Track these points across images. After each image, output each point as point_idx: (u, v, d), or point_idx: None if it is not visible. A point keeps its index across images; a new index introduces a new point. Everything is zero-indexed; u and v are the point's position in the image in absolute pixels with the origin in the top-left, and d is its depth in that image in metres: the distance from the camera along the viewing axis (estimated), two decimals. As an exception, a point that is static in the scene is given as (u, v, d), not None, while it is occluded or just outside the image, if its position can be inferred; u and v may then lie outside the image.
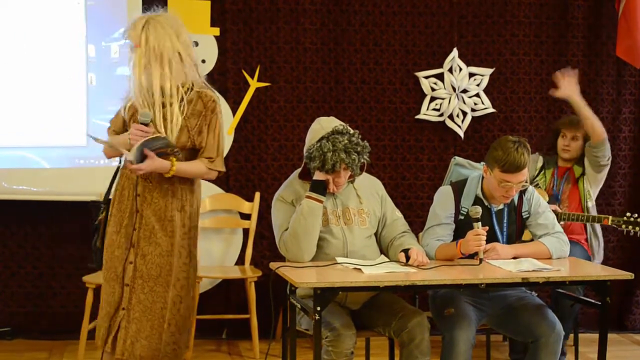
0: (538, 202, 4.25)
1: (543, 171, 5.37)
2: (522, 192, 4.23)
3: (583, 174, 5.31)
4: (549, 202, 5.19)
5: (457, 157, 4.52)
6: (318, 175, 3.95)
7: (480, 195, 4.17)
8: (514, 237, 4.23)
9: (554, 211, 5.07)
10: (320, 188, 3.95)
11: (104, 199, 3.94)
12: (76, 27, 5.40)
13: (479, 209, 3.97)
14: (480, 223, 3.95)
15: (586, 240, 5.29)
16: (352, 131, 3.96)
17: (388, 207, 4.18)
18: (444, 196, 4.21)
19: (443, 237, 4.13)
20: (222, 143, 3.94)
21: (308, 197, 3.94)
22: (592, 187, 5.35)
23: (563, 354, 5.12)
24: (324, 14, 5.79)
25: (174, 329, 3.88)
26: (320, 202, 3.95)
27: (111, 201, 3.90)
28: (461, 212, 4.16)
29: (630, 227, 5.00)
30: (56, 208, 5.45)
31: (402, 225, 4.16)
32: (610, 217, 5.07)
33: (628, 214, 5.06)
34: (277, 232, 4.05)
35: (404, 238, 4.08)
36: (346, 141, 3.89)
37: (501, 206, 4.19)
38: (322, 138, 3.91)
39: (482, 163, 4.28)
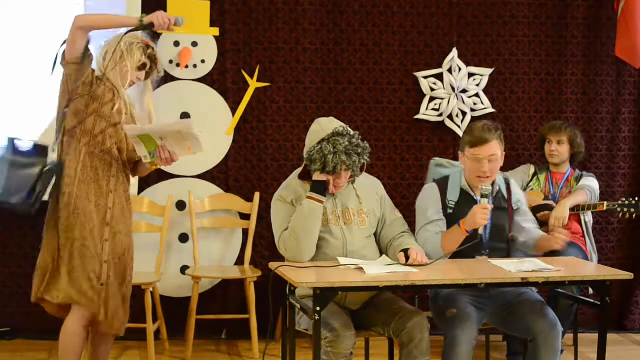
0: (521, 194, 4.39)
1: (536, 176, 5.41)
2: (508, 185, 4.31)
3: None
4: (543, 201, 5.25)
5: (436, 158, 4.52)
6: (318, 176, 3.95)
7: (466, 187, 4.22)
8: (507, 229, 4.26)
9: (550, 205, 5.16)
10: (321, 188, 3.96)
11: (57, 165, 3.96)
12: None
13: (489, 186, 4.05)
14: (487, 200, 4.02)
15: (583, 239, 5.29)
16: (352, 132, 3.97)
17: (387, 207, 4.19)
18: (430, 193, 4.23)
19: (438, 231, 4.15)
20: None
21: (309, 197, 3.95)
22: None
23: (560, 351, 5.14)
24: (323, 14, 5.79)
25: (127, 306, 4.07)
26: (321, 202, 3.95)
27: (76, 175, 3.93)
28: (448, 206, 4.19)
29: (625, 209, 5.10)
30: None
31: (401, 226, 4.16)
32: (605, 203, 5.15)
33: (623, 199, 5.19)
34: (276, 232, 4.05)
35: (403, 238, 4.08)
36: (347, 143, 3.90)
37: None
38: (322, 140, 3.91)
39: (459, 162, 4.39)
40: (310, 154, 3.93)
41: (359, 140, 3.95)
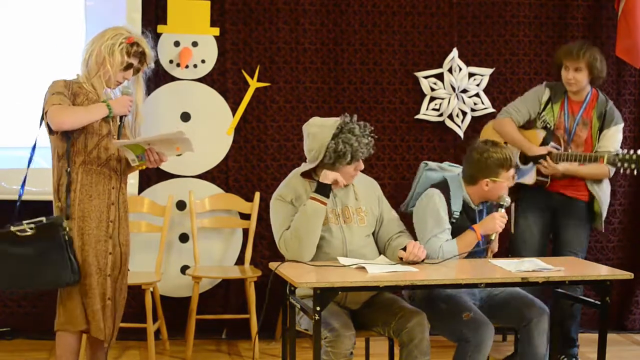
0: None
1: (550, 105, 5.09)
2: None
3: (601, 129, 5.01)
4: (545, 140, 5.01)
5: (428, 162, 4.48)
6: (327, 176, 3.95)
7: (467, 199, 4.26)
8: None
9: (549, 153, 4.94)
10: (326, 190, 3.96)
11: (67, 211, 3.90)
12: (75, 26, 5.40)
13: (508, 198, 4.21)
14: (503, 209, 4.18)
15: (588, 196, 5.07)
16: (350, 118, 4.04)
17: (385, 207, 4.20)
18: (439, 200, 4.22)
19: (448, 238, 4.19)
20: None
21: (312, 198, 3.95)
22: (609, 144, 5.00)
23: (576, 346, 5.19)
24: (323, 14, 5.79)
25: (119, 316, 4.05)
26: (324, 204, 3.95)
27: (76, 199, 3.90)
28: (453, 215, 4.22)
29: (626, 164, 4.78)
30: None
31: (398, 226, 4.17)
32: (606, 156, 4.82)
33: (625, 151, 4.85)
34: (276, 231, 4.05)
35: (400, 238, 4.09)
36: (358, 128, 3.99)
37: (480, 206, 4.31)
38: (336, 135, 3.94)
39: (445, 163, 4.47)
40: (336, 149, 3.92)
41: (362, 122, 4.04)
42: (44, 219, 3.88)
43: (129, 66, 3.95)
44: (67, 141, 3.90)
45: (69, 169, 3.91)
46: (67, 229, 3.85)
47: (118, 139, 3.94)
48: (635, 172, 4.81)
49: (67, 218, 3.88)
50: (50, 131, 3.89)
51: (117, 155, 3.98)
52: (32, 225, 3.84)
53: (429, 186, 4.32)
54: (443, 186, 4.27)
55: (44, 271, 3.83)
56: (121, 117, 3.96)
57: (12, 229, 3.84)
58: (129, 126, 4.08)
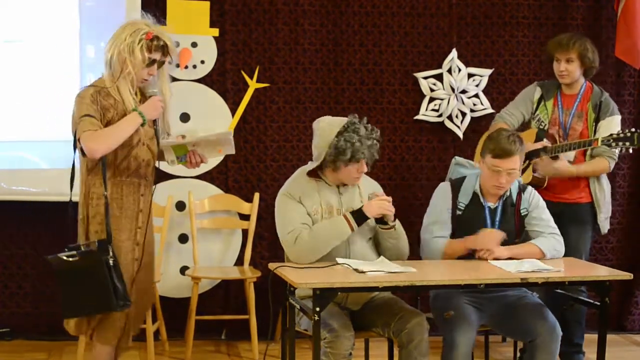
0: (537, 202, 4.30)
1: (542, 102, 5.01)
2: (521, 191, 4.27)
3: (596, 120, 4.89)
4: (537, 136, 4.93)
5: (457, 157, 4.55)
6: (371, 209, 3.96)
7: (478, 192, 4.23)
8: (513, 235, 4.25)
9: (544, 148, 4.84)
10: (362, 220, 3.97)
11: (108, 235, 3.80)
12: (74, 26, 5.40)
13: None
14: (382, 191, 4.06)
15: (590, 196, 4.99)
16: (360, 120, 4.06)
17: None
18: (441, 192, 4.29)
19: (442, 234, 4.18)
20: None
21: (346, 218, 3.96)
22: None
23: (582, 352, 5.12)
24: (323, 14, 5.79)
25: (142, 317, 4.11)
26: (352, 230, 3.97)
27: (107, 209, 3.82)
28: (458, 207, 4.21)
29: (621, 143, 4.61)
30: (55, 209, 5.44)
31: None
32: (600, 138, 4.68)
33: (619, 130, 4.73)
34: (284, 228, 4.01)
35: None
36: (364, 130, 3.99)
37: (496, 204, 4.23)
38: (340, 132, 3.96)
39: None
40: (337, 146, 3.94)
41: (370, 125, 4.05)
42: (95, 242, 3.79)
43: (152, 62, 3.83)
44: (101, 157, 3.79)
45: (105, 193, 3.79)
46: (111, 254, 3.76)
47: (159, 142, 3.88)
48: (630, 149, 4.68)
49: (109, 241, 3.77)
50: (84, 154, 3.78)
51: (146, 161, 3.90)
52: (75, 252, 3.76)
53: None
54: (459, 180, 4.30)
55: (90, 298, 3.77)
56: (155, 121, 3.88)
57: (60, 255, 3.77)
58: (160, 126, 3.97)
